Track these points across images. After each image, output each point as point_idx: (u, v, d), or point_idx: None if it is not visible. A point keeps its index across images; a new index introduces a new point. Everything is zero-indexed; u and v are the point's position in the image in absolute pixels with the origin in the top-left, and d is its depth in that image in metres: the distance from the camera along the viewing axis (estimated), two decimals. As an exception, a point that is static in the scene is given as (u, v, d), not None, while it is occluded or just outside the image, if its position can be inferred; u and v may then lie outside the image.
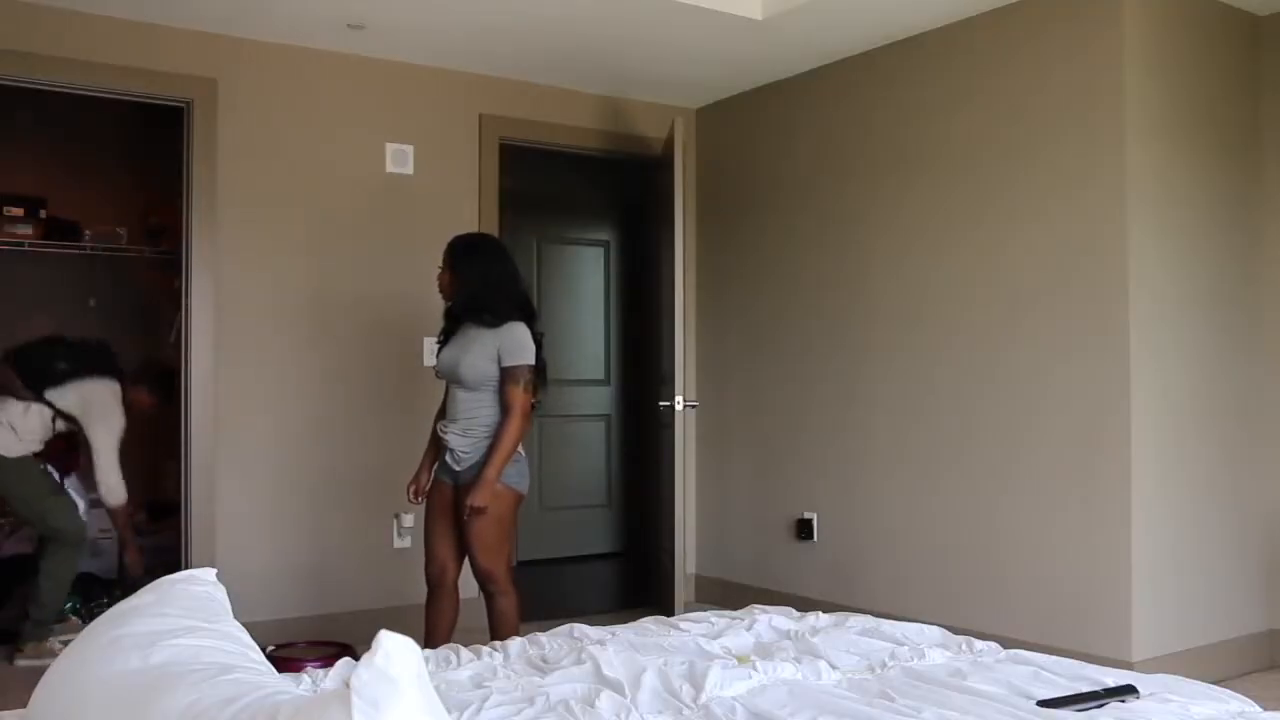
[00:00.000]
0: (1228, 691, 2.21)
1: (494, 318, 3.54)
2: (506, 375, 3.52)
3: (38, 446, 4.46)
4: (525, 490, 3.62)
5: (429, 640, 3.59)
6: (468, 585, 3.74)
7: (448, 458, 3.61)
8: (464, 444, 3.56)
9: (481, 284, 3.59)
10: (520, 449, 3.58)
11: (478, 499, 3.46)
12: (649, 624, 2.78)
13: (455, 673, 2.31)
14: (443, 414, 3.72)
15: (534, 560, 6.12)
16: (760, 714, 1.99)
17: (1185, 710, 2.03)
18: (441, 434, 3.63)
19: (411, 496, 3.78)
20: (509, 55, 4.85)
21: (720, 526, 5.53)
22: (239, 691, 1.38)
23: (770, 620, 2.75)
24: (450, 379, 3.63)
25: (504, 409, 3.53)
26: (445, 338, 3.72)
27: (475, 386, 3.55)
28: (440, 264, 3.69)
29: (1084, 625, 3.90)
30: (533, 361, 3.56)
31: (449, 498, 3.63)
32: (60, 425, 4.48)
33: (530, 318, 3.62)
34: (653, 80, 5.24)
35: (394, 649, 1.17)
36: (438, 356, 3.70)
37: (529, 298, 3.71)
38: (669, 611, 4.48)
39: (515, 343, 3.53)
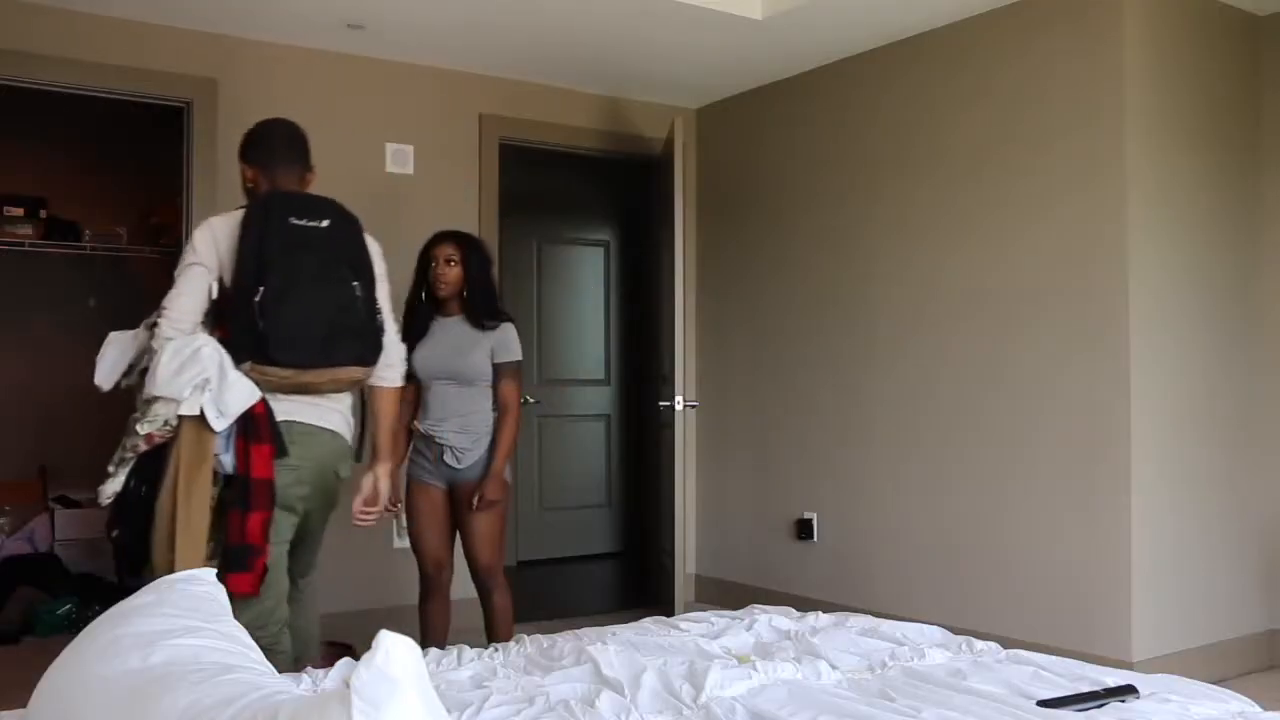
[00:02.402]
0: (1228, 691, 2.21)
1: (492, 322, 3.60)
2: (501, 371, 3.59)
3: None
4: (511, 482, 3.74)
5: (427, 640, 3.59)
6: (457, 587, 3.76)
7: (446, 457, 3.58)
8: (465, 440, 3.56)
9: (486, 283, 3.66)
10: None
11: (491, 491, 3.53)
12: (649, 624, 2.78)
13: (455, 673, 2.31)
14: (417, 415, 3.64)
15: (534, 560, 6.13)
16: (760, 714, 1.99)
17: (1185, 710, 2.03)
18: (432, 434, 3.59)
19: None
20: (509, 55, 4.85)
21: (720, 526, 5.53)
22: (239, 691, 1.38)
23: (770, 620, 2.75)
24: (442, 377, 3.58)
25: (501, 405, 3.59)
26: (417, 333, 3.59)
27: (472, 382, 3.57)
28: (448, 257, 3.60)
29: (1084, 625, 3.90)
30: (521, 358, 3.67)
31: (437, 499, 3.63)
32: None
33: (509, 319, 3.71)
34: (653, 80, 5.24)
35: (394, 649, 1.17)
36: (414, 354, 3.51)
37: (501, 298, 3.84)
38: (669, 611, 4.48)
39: (509, 340, 3.62)
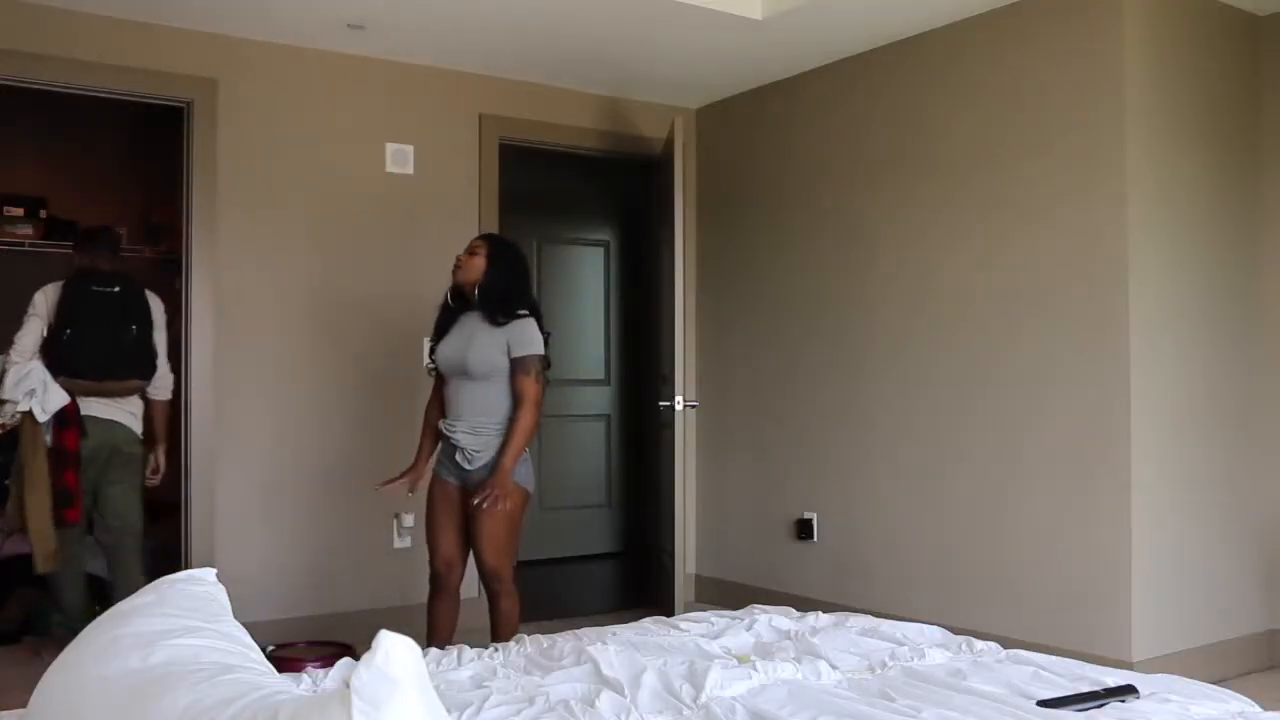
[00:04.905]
0: (1228, 691, 2.21)
1: (505, 318, 3.53)
2: (517, 366, 3.50)
3: None
4: (532, 488, 3.61)
5: (431, 638, 3.57)
6: (467, 586, 3.74)
7: (458, 457, 3.56)
8: (476, 443, 3.52)
9: (506, 284, 3.58)
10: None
11: (497, 488, 3.40)
12: (649, 624, 2.78)
13: (455, 673, 2.31)
14: (441, 411, 3.69)
15: (534, 560, 6.12)
16: (760, 714, 1.99)
17: (1185, 710, 2.03)
18: (448, 433, 3.59)
19: (411, 486, 3.73)
20: (509, 55, 4.85)
21: (720, 526, 5.53)
22: (239, 691, 1.38)
23: (770, 620, 2.76)
24: (455, 372, 3.58)
25: (516, 400, 3.51)
26: (442, 329, 3.67)
27: (484, 377, 3.51)
28: (473, 248, 3.63)
29: (1085, 625, 3.90)
30: (542, 352, 3.56)
31: (454, 497, 3.60)
32: None
33: (538, 320, 3.62)
34: (653, 80, 5.24)
35: (394, 649, 1.17)
36: (435, 350, 3.66)
37: (539, 308, 3.69)
38: (669, 611, 4.48)
39: (525, 335, 3.53)
